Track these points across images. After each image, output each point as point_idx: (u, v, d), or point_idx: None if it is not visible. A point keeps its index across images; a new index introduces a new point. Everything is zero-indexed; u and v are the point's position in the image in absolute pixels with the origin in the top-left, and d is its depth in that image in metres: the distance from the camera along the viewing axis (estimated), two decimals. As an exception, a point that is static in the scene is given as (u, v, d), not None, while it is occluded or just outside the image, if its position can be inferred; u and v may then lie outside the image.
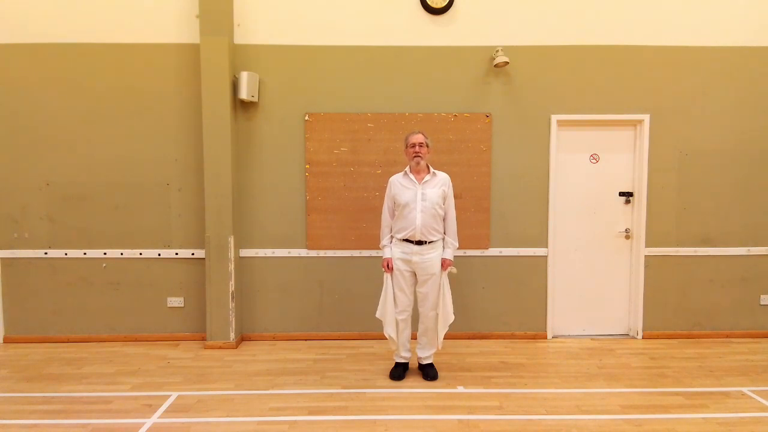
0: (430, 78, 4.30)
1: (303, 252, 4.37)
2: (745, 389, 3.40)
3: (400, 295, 3.50)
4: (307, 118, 4.29)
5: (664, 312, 4.46)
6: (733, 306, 4.47)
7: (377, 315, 3.58)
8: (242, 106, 4.29)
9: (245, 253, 4.37)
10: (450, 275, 3.55)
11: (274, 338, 4.42)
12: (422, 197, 3.42)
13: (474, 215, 4.34)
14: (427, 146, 3.49)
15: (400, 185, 3.50)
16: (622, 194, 4.45)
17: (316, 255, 4.37)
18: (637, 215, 4.42)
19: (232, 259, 4.21)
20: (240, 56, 4.25)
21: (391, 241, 3.55)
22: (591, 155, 4.44)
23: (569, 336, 4.50)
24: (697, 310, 4.47)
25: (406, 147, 3.51)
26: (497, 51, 4.16)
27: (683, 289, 4.45)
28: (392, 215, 3.55)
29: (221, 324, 4.21)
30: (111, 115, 4.27)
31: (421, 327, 3.58)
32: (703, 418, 3.00)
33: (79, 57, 4.22)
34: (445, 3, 4.21)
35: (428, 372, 3.57)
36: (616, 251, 4.49)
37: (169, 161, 4.31)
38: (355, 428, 2.88)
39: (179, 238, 4.35)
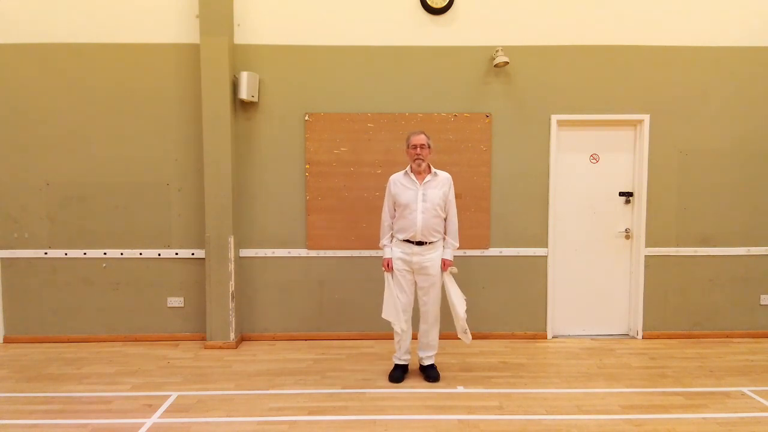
0: (430, 78, 4.30)
1: (303, 252, 4.37)
2: (745, 389, 3.40)
3: (401, 295, 3.48)
4: (307, 118, 4.29)
5: (664, 312, 4.46)
6: (733, 306, 4.47)
7: (383, 316, 3.51)
8: (242, 106, 4.29)
9: (245, 253, 4.37)
10: (453, 275, 3.55)
11: (274, 338, 4.42)
12: (423, 198, 3.39)
13: (474, 215, 4.34)
14: (429, 147, 3.44)
15: (401, 185, 3.47)
16: (622, 194, 4.45)
17: (316, 255, 4.37)
18: (637, 215, 4.42)
19: (232, 259, 4.21)
20: (240, 56, 4.25)
21: (391, 241, 3.54)
22: (591, 155, 4.44)
23: (569, 336, 4.50)
24: (697, 310, 4.47)
25: (408, 147, 3.46)
26: (497, 51, 4.16)
27: (683, 289, 4.45)
28: (392, 215, 3.52)
29: (221, 324, 4.21)
30: (111, 115, 4.26)
31: (422, 327, 3.56)
32: (703, 418, 3.00)
33: (79, 57, 4.22)
34: (445, 3, 4.21)
35: (429, 373, 3.56)
36: (616, 251, 4.49)
37: (169, 161, 4.31)
38: (355, 428, 2.88)
39: (179, 238, 4.35)
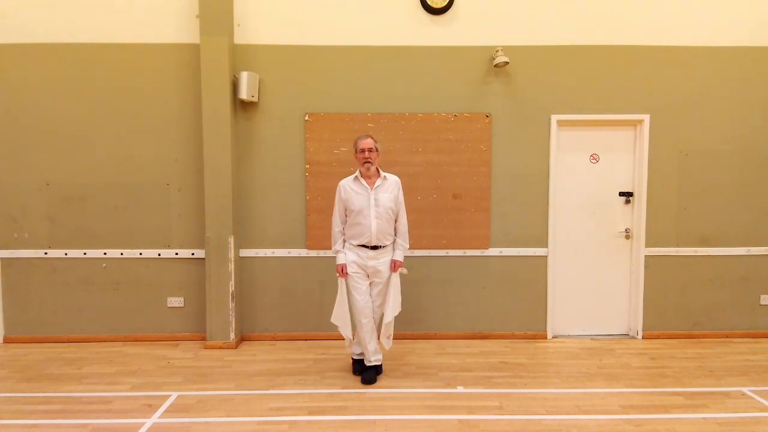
0: (430, 78, 4.30)
1: (303, 252, 4.37)
2: (745, 389, 3.40)
3: (359, 297, 3.48)
4: (307, 118, 4.29)
5: (664, 312, 4.46)
6: (733, 306, 4.47)
7: (332, 320, 3.56)
8: (242, 106, 4.29)
9: (245, 253, 4.37)
10: (401, 276, 3.57)
11: (274, 338, 4.42)
12: (375, 203, 3.41)
13: (474, 215, 4.34)
14: (377, 150, 3.46)
15: (352, 191, 3.46)
16: (622, 194, 4.45)
17: (316, 255, 4.37)
18: (637, 215, 4.42)
19: (232, 259, 4.20)
20: (240, 56, 4.25)
21: (343, 246, 3.53)
22: (591, 155, 4.44)
23: (569, 336, 4.50)
24: (697, 310, 4.47)
25: (356, 152, 3.46)
26: (497, 51, 4.16)
27: (683, 289, 4.45)
28: (343, 221, 3.53)
29: (221, 324, 4.21)
30: (111, 115, 4.27)
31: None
32: (703, 418, 3.00)
33: (79, 57, 4.22)
34: (445, 3, 4.21)
35: (370, 376, 3.54)
36: (616, 251, 4.49)
37: (169, 161, 4.31)
38: (355, 428, 2.88)
39: (179, 238, 4.35)
